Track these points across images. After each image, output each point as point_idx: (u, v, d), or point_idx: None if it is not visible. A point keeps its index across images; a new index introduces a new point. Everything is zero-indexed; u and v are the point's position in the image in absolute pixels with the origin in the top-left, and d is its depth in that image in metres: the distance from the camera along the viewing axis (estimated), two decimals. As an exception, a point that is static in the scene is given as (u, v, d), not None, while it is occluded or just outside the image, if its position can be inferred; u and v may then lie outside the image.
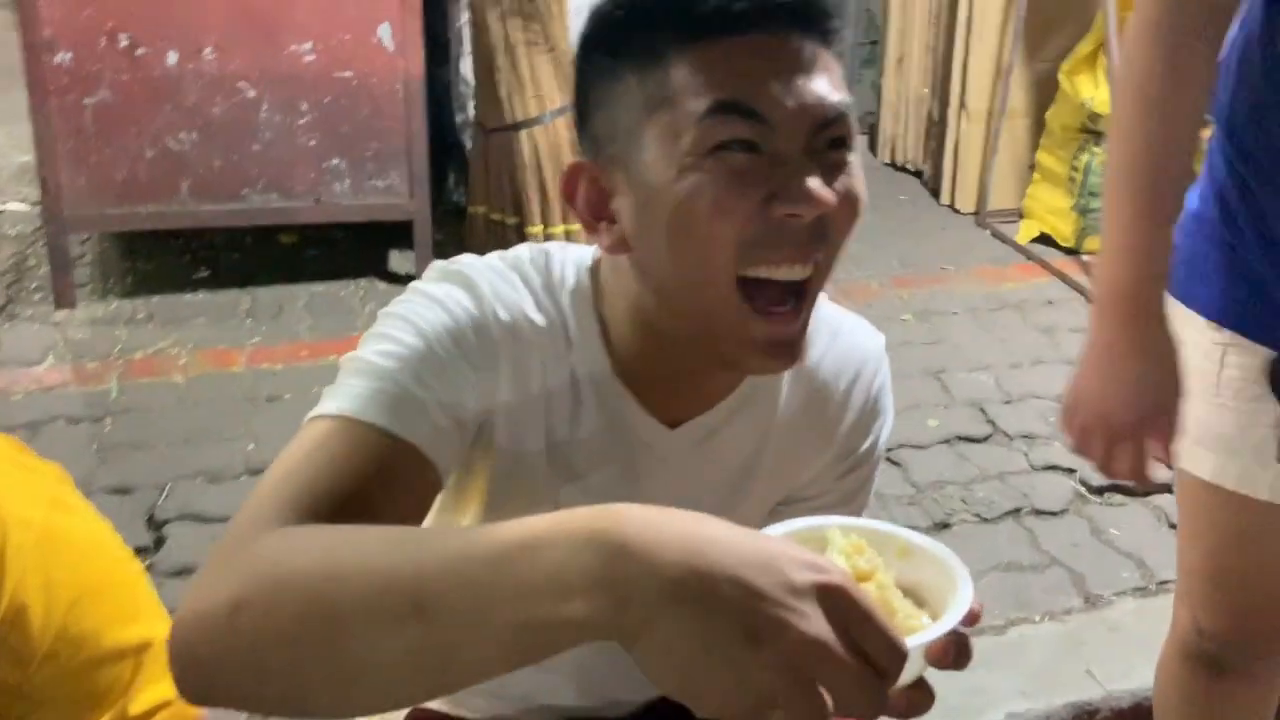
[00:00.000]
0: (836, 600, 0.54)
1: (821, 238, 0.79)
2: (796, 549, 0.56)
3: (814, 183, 0.76)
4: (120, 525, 2.24)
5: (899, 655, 0.55)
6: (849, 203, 0.80)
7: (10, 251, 3.36)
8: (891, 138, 4.50)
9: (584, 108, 0.85)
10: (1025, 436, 2.74)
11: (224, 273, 3.25)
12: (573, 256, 0.92)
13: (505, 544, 0.57)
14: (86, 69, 2.79)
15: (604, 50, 0.82)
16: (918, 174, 4.41)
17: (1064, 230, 3.79)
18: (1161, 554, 2.30)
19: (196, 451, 2.42)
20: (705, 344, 0.83)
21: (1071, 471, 2.61)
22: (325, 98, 2.98)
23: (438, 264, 0.89)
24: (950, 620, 0.64)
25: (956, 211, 4.11)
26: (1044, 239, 3.84)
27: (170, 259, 3.32)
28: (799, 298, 0.80)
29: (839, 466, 1.00)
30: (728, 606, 0.53)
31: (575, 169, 0.85)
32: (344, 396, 0.78)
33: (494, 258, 0.90)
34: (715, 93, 0.77)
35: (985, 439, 2.73)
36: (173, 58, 2.85)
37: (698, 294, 0.80)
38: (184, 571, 2.09)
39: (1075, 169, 3.70)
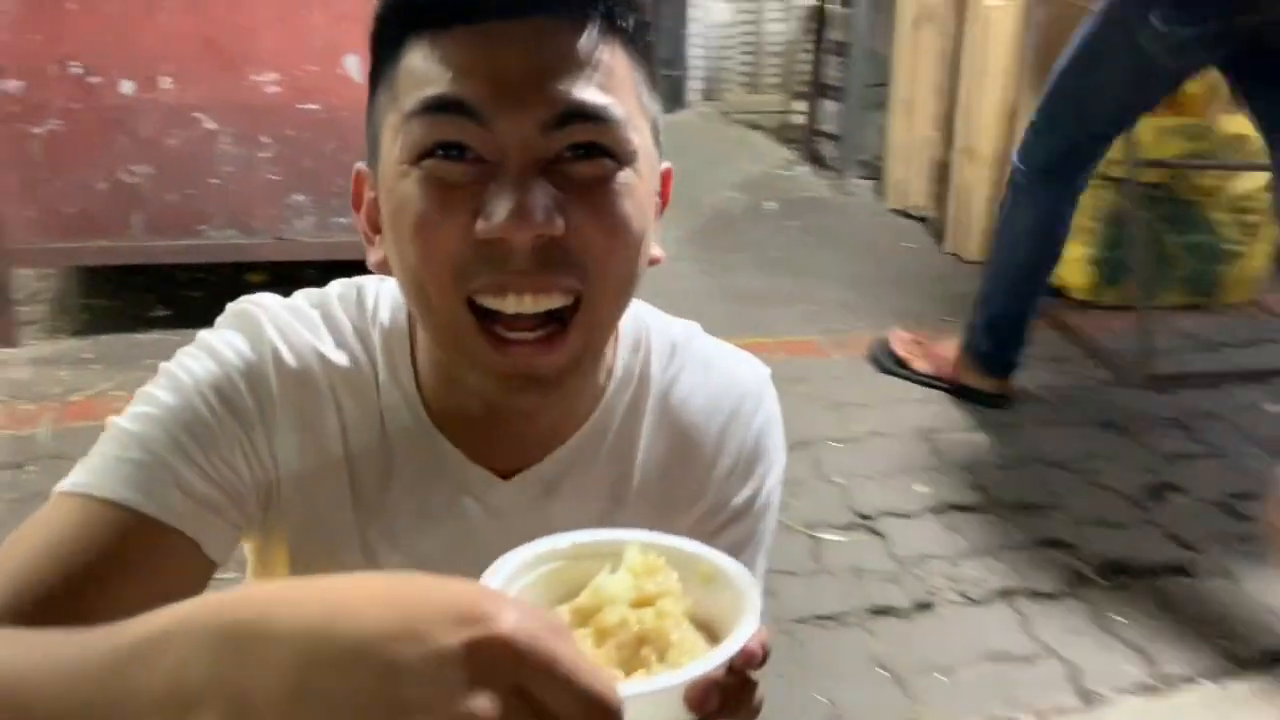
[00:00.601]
0: (498, 656, 0.44)
1: (562, 264, 0.67)
2: (461, 595, 0.45)
3: (532, 197, 0.66)
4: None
5: (600, 708, 0.45)
6: (601, 221, 0.69)
7: (-33, 285, 3.23)
8: (898, 182, 4.33)
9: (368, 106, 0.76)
10: (1024, 507, 2.52)
11: (185, 312, 3.11)
12: (389, 290, 0.82)
13: (121, 650, 0.48)
14: (36, 97, 2.67)
15: (372, 47, 0.74)
16: (923, 219, 4.23)
17: (1079, 282, 3.58)
18: (1172, 646, 2.07)
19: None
20: (456, 356, 0.74)
21: (1072, 548, 2.39)
22: (288, 130, 2.84)
23: (230, 304, 0.82)
24: (712, 660, 0.56)
25: (960, 260, 3.91)
26: (1054, 291, 3.62)
27: (129, 296, 3.19)
28: (562, 323, 0.70)
29: (714, 520, 0.86)
30: (356, 699, 0.43)
31: (356, 177, 0.78)
32: (87, 469, 0.72)
33: (298, 295, 0.83)
34: (427, 87, 0.67)
35: (976, 509, 2.51)
36: (128, 87, 2.73)
37: (434, 319, 0.72)
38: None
39: (1095, 218, 3.49)
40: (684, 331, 0.89)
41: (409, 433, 0.80)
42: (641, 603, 0.60)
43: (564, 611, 0.61)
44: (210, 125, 2.81)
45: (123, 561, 0.70)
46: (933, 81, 4.08)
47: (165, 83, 2.75)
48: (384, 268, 0.75)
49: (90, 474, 0.72)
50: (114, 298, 3.21)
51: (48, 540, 0.68)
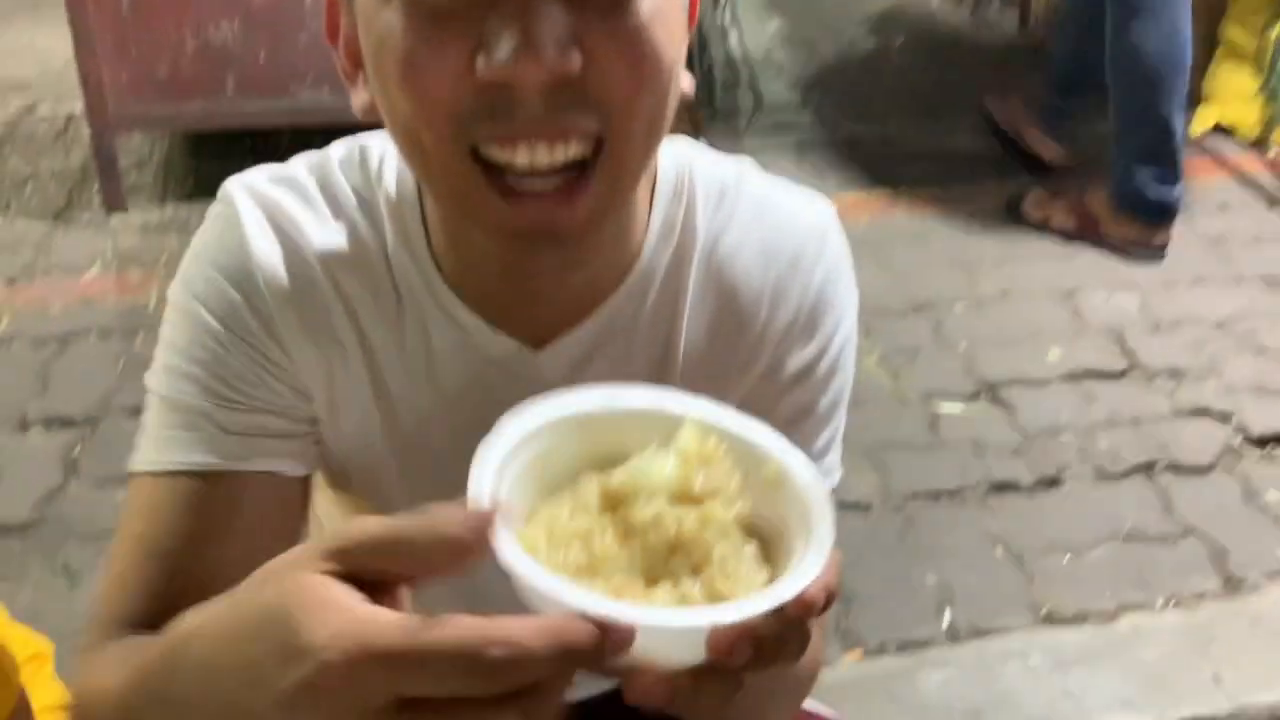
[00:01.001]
0: (341, 684, 0.41)
1: (579, 106, 0.58)
2: (280, 625, 0.43)
3: (542, 28, 0.55)
4: (131, 450, 2.14)
5: (483, 664, 0.40)
6: (626, 56, 0.57)
7: (82, 153, 3.27)
8: (1043, 13, 3.90)
9: None
10: (1172, 373, 2.28)
11: (285, 175, 3.07)
12: (395, 149, 0.72)
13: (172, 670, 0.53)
14: (120, -46, 2.60)
15: None
16: (1074, 54, 3.81)
17: (1248, 119, 3.18)
18: (1332, 528, 1.86)
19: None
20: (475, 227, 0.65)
21: (1227, 418, 2.15)
22: (375, -21, 2.69)
23: (222, 186, 0.75)
24: (754, 606, 0.45)
25: (1114, 98, 3.52)
26: (1222, 130, 3.23)
27: (233, 161, 3.14)
28: (583, 170, 0.60)
29: (771, 385, 0.75)
30: None
31: (331, 4, 0.68)
32: (145, 442, 0.73)
33: (298, 161, 0.75)
34: None
35: (1120, 375, 2.28)
36: (210, -62, 2.62)
37: (433, 174, 0.62)
38: (186, 504, 1.95)
39: (1265, 44, 3.06)
40: (734, 172, 0.76)
41: (425, 305, 0.72)
42: (686, 499, 0.50)
43: (593, 485, 0.51)
44: (296, -24, 2.69)
45: (211, 525, 0.70)
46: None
47: (247, -69, 2.63)
48: (371, 113, 0.65)
49: (148, 449, 0.72)
50: (219, 162, 3.18)
51: (138, 535, 0.71)
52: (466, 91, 0.57)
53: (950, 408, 2.18)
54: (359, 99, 0.66)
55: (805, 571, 0.46)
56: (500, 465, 0.50)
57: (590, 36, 0.56)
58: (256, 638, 0.44)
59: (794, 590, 0.46)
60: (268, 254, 0.70)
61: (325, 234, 0.71)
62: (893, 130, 3.40)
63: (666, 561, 0.48)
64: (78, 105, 3.59)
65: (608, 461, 0.52)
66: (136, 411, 2.41)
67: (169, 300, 0.74)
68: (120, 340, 2.41)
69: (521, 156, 0.58)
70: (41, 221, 2.89)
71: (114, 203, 2.86)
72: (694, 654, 0.45)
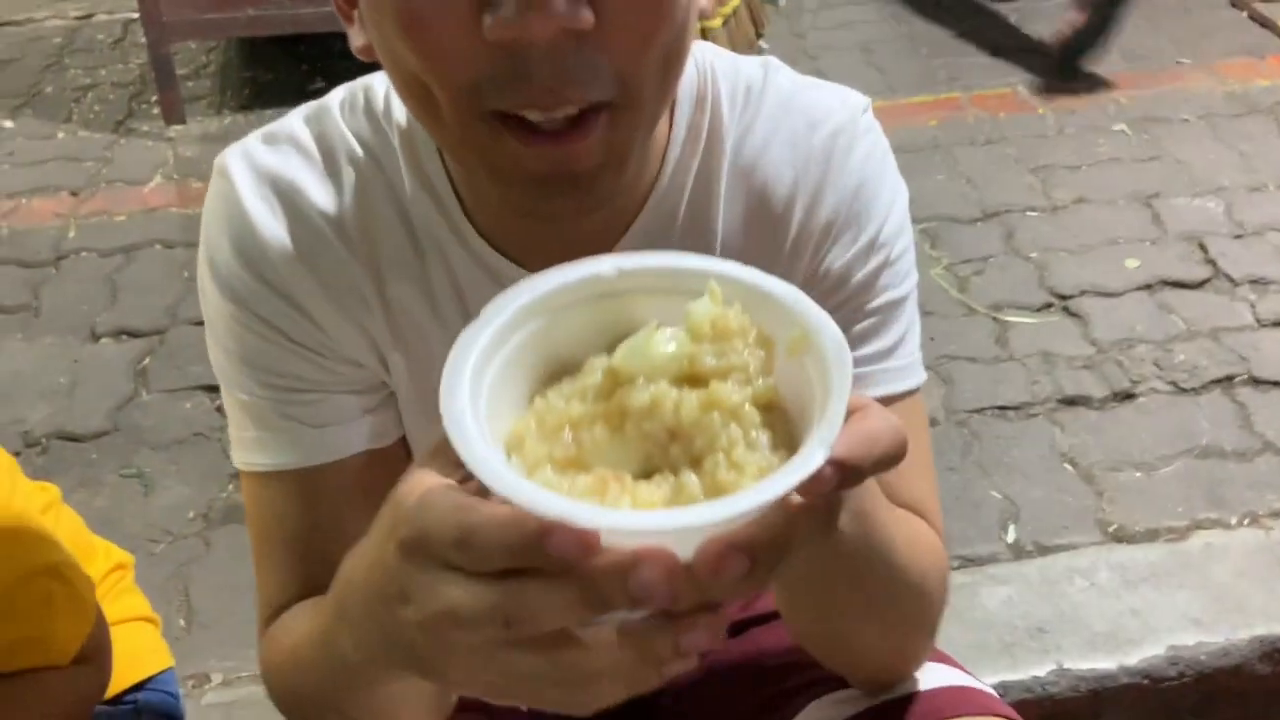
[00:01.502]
0: (416, 548, 0.44)
1: (584, 72, 0.53)
2: (390, 501, 0.47)
3: None
4: (198, 361, 2.16)
5: (523, 547, 0.39)
6: (641, 9, 0.53)
7: (140, 62, 3.26)
8: (1133, -105, 3.66)
9: None
10: (1255, 282, 2.18)
11: (338, 82, 3.01)
12: None
13: (329, 633, 0.57)
14: None
15: None
16: (1164, -61, 3.58)
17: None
18: None
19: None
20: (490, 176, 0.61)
21: (1313, 329, 2.06)
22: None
23: (215, 163, 0.72)
24: (732, 505, 0.39)
25: (1214, -11, 3.32)
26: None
27: (287, 69, 3.14)
28: (599, 110, 0.56)
29: (822, 285, 0.71)
30: (389, 632, 0.48)
31: None
32: (235, 441, 0.74)
33: (294, 115, 0.72)
34: None
35: (1200, 284, 2.19)
36: None
37: (441, 124, 0.58)
38: (252, 414, 1.98)
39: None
40: (758, 70, 0.72)
41: (448, 245, 0.69)
42: (692, 379, 0.44)
43: (597, 365, 0.46)
44: (345, -126, 2.61)
45: (325, 510, 0.70)
46: None
47: None
48: (370, 54, 0.61)
49: (239, 448, 0.73)
50: (273, 70, 3.16)
51: (263, 530, 0.74)
52: (476, 52, 0.54)
53: (1019, 318, 2.12)
54: (356, 39, 0.62)
55: (804, 462, 0.40)
56: (483, 353, 0.45)
57: None
58: (378, 523, 0.49)
59: (784, 485, 0.40)
60: (272, 226, 0.67)
61: (328, 191, 0.68)
62: (965, 27, 3.24)
63: (665, 451, 0.43)
64: (133, 12, 3.58)
65: (617, 340, 0.47)
66: (201, 323, 2.43)
67: (198, 277, 0.73)
68: (183, 251, 2.43)
69: (534, 114, 0.55)
70: (102, 133, 2.91)
71: (173, 114, 2.86)
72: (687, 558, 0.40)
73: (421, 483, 0.45)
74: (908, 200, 0.74)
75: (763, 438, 0.44)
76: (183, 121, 2.88)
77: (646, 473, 0.43)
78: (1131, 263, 2.25)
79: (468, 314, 0.69)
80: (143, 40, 3.36)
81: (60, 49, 3.40)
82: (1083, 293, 2.17)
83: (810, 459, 0.41)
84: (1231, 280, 2.19)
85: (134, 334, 2.19)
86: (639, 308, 0.48)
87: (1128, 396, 1.95)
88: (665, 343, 0.45)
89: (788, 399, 0.45)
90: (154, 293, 2.29)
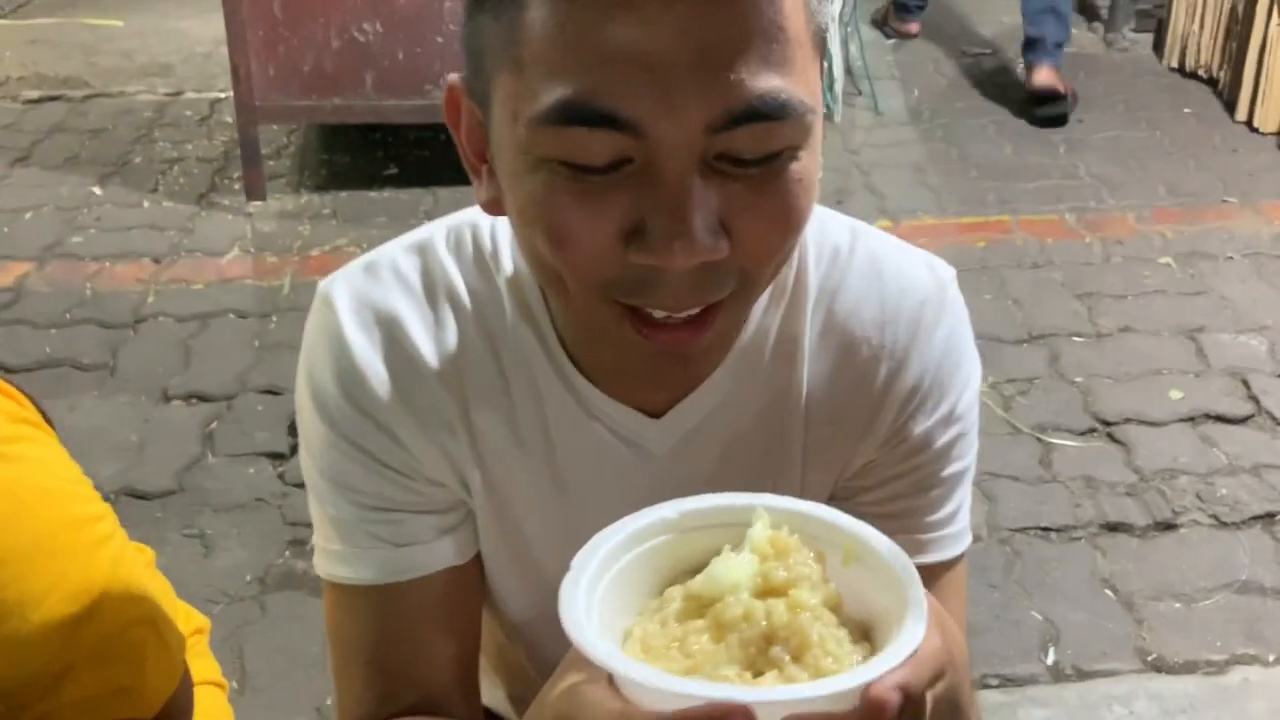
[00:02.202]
0: None
1: (715, 283, 0.59)
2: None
3: (695, 222, 0.55)
4: (263, 427, 2.24)
5: None
6: (773, 227, 0.58)
7: (224, 139, 3.44)
8: (1183, 37, 3.80)
9: (467, 5, 0.62)
10: (1300, 422, 2.22)
11: (411, 171, 3.18)
12: (505, 225, 0.73)
13: None
14: (276, -46, 2.73)
15: None
16: (1211, 82, 3.70)
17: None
18: None
19: (350, 357, 2.36)
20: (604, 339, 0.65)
21: (1355, 473, 2.09)
22: (512, -14, 2.77)
23: (318, 290, 0.74)
24: (876, 667, 0.47)
25: (1254, 130, 3.41)
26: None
27: (363, 154, 3.29)
28: (715, 307, 0.60)
29: (899, 449, 0.74)
30: None
31: (451, 90, 0.65)
32: (320, 553, 0.76)
33: (396, 247, 0.74)
34: (562, 82, 0.54)
35: (1243, 420, 2.23)
36: (360, -58, 2.73)
37: (569, 303, 0.63)
38: (311, 484, 2.04)
39: None
40: (848, 232, 0.75)
41: (541, 374, 0.72)
42: (769, 592, 0.51)
43: (675, 593, 0.53)
44: (437, -19, 2.79)
45: (404, 625, 0.74)
46: (1238, -84, 3.50)
47: (395, -63, 2.74)
48: (495, 209, 0.64)
49: (325, 559, 0.76)
50: (350, 154, 3.32)
51: (343, 640, 0.77)
52: (616, 264, 0.58)
53: (1064, 441, 2.16)
54: (484, 193, 0.65)
55: (912, 634, 0.48)
56: (588, 589, 0.52)
57: (738, 217, 0.57)
58: None
59: (908, 649, 0.47)
60: (370, 356, 0.71)
61: (424, 322, 0.72)
62: (1014, 153, 3.35)
63: (765, 652, 0.50)
64: (221, 92, 3.78)
65: (688, 574, 0.54)
66: (269, 391, 2.54)
67: (296, 398, 0.75)
68: (256, 321, 2.53)
69: (659, 313, 0.60)
70: (185, 204, 3.05)
71: (255, 190, 3.00)
72: None
73: (578, 689, 0.50)
74: (980, 378, 0.78)
75: (842, 633, 0.51)
76: (263, 198, 3.02)
77: (754, 673, 0.50)
78: (1175, 394, 2.29)
79: (550, 443, 0.73)
80: (228, 119, 3.55)
81: (150, 122, 3.59)
82: (1126, 420, 2.21)
83: (914, 636, 0.48)
84: (1274, 418, 2.23)
85: (204, 398, 2.28)
86: (700, 540, 0.55)
87: (1169, 527, 1.97)
88: (742, 564, 0.52)
89: (846, 601, 0.53)
90: (225, 359, 2.39)
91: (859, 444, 0.75)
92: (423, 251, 0.73)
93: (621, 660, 0.48)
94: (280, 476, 2.08)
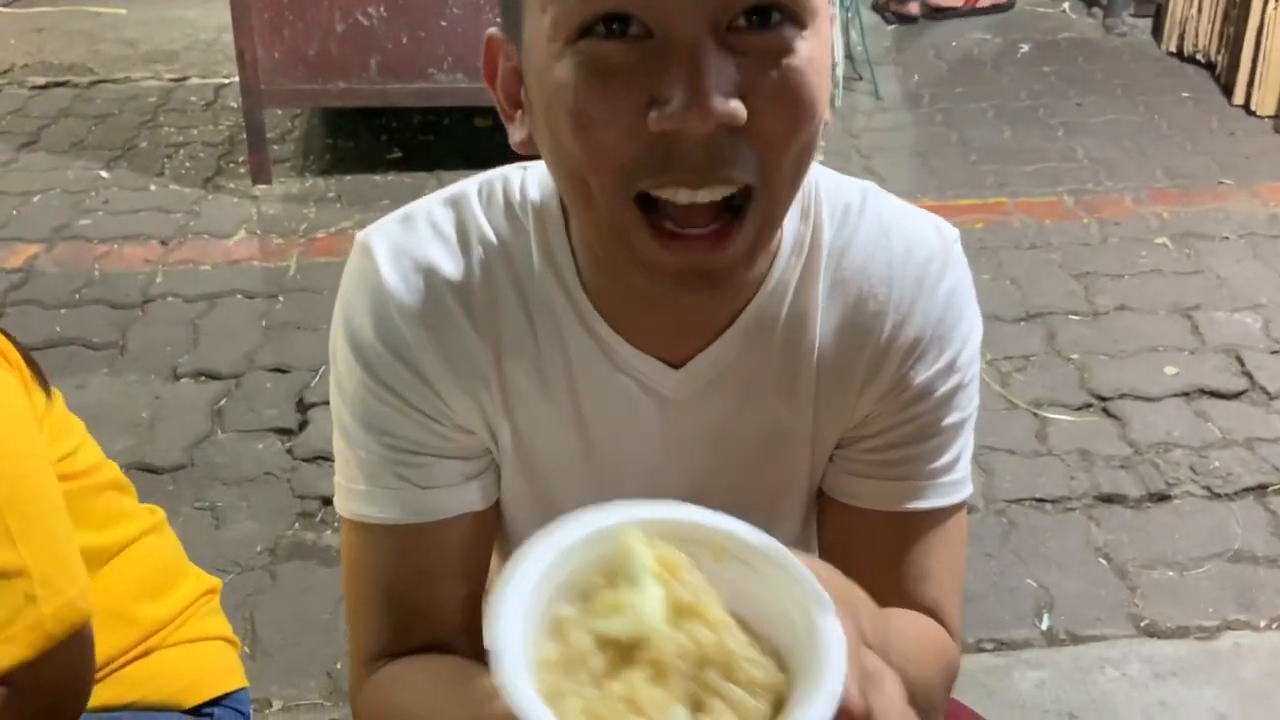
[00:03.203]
0: None
1: (733, 156, 0.59)
2: None
3: (710, 82, 0.57)
4: (272, 404, 2.28)
5: None
6: (785, 104, 0.59)
7: (229, 124, 3.47)
8: (1181, 21, 3.83)
9: None
10: (1293, 398, 2.25)
11: (415, 154, 3.21)
12: (535, 175, 0.76)
13: None
14: (281, -62, 2.75)
15: None
16: (1209, 66, 3.72)
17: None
18: None
19: (356, 336, 2.39)
20: (622, 261, 0.66)
21: (1345, 445, 2.12)
22: (515, -30, 2.80)
23: (356, 240, 0.76)
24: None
25: (1251, 114, 3.45)
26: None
27: (367, 138, 3.32)
28: (734, 213, 0.62)
29: (900, 398, 0.77)
30: None
31: (490, 44, 0.68)
32: (343, 492, 0.78)
33: (435, 199, 0.76)
34: None
35: (1236, 395, 2.26)
36: (364, -74, 2.76)
37: (595, 214, 0.64)
38: (319, 458, 2.08)
39: None
40: (858, 192, 0.78)
41: (565, 320, 0.75)
42: (680, 614, 0.50)
43: (584, 640, 0.51)
44: (441, -35, 2.82)
45: (420, 566, 0.76)
46: (1236, -100, 3.52)
47: (398, -79, 2.76)
48: (528, 147, 0.68)
49: (347, 498, 0.77)
50: (354, 138, 3.35)
51: (359, 578, 0.79)
52: (637, 141, 0.59)
53: (1059, 415, 2.19)
54: (516, 134, 0.68)
55: (833, 669, 0.48)
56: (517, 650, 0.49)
57: (752, 89, 0.59)
58: None
59: (836, 688, 0.47)
60: (407, 302, 0.72)
61: (459, 271, 0.73)
62: (1012, 135, 3.38)
63: (702, 680, 0.49)
64: (225, 78, 3.81)
65: (575, 598, 0.52)
66: (276, 369, 2.58)
67: (331, 341, 0.77)
68: (263, 301, 2.57)
69: (682, 197, 0.61)
70: (192, 188, 3.09)
71: (260, 174, 3.03)
72: None
73: None
74: (981, 332, 0.80)
75: (745, 637, 0.51)
76: (268, 182, 3.05)
77: (695, 706, 0.49)
78: (1170, 370, 2.32)
79: (574, 390, 0.75)
80: (232, 104, 3.59)
81: (155, 108, 3.62)
82: (1122, 395, 2.24)
83: (836, 646, 0.49)
84: (1267, 394, 2.26)
85: (213, 376, 2.31)
86: (575, 559, 0.53)
87: (1163, 498, 2.01)
88: (653, 596, 0.50)
89: (729, 598, 0.53)
90: (233, 339, 2.42)
91: (863, 394, 0.77)
92: (457, 204, 0.75)
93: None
94: (289, 451, 2.11)
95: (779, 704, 0.49)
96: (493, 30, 0.68)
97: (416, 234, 0.74)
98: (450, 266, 0.73)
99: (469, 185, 0.76)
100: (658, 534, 0.53)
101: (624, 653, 0.50)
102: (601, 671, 0.50)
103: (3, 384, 0.92)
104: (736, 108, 0.58)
